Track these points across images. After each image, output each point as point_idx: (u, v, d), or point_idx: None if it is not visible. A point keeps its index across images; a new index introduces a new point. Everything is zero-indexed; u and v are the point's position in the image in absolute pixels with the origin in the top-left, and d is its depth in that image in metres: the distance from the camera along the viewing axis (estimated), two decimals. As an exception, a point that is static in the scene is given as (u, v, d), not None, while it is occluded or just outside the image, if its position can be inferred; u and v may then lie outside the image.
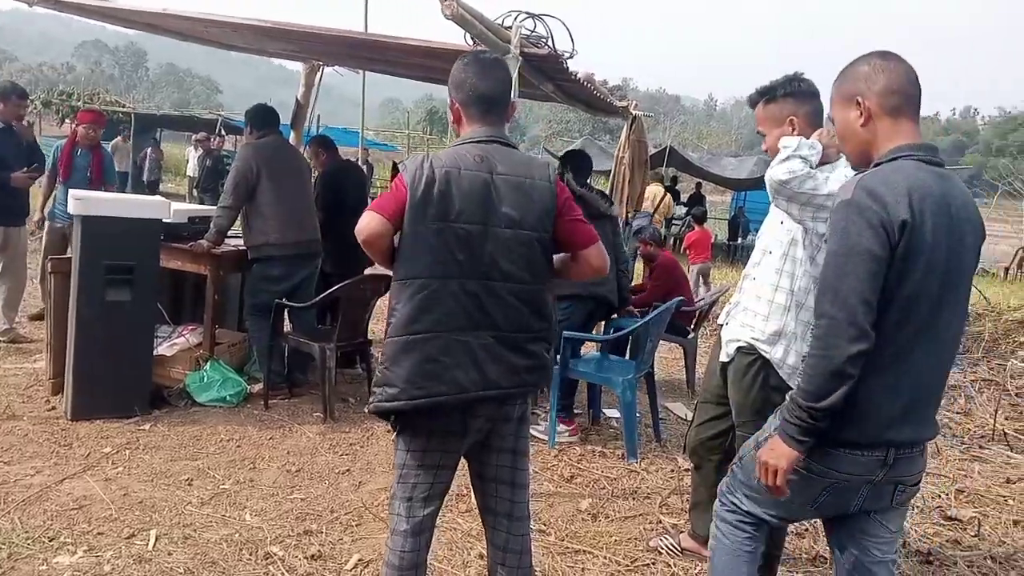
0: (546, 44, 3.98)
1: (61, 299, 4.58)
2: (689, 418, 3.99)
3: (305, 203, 5.16)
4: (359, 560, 3.09)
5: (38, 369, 5.17)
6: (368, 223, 2.15)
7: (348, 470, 4.03)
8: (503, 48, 3.82)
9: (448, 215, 2.11)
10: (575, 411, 4.89)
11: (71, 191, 5.04)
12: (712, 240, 11.95)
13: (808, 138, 2.78)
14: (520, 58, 3.89)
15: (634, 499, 3.97)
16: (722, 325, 3.10)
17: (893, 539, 2.17)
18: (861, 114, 2.02)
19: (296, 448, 4.27)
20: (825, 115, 2.86)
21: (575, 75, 4.73)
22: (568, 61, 4.23)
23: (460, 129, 2.31)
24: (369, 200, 6.24)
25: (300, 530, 3.32)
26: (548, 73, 4.61)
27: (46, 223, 6.35)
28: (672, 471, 4.32)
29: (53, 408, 4.52)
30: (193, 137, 19.25)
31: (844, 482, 2.03)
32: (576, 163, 4.93)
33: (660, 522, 3.71)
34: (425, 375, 2.12)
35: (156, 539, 3.14)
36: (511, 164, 2.21)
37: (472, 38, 3.77)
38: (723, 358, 3.03)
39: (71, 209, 4.55)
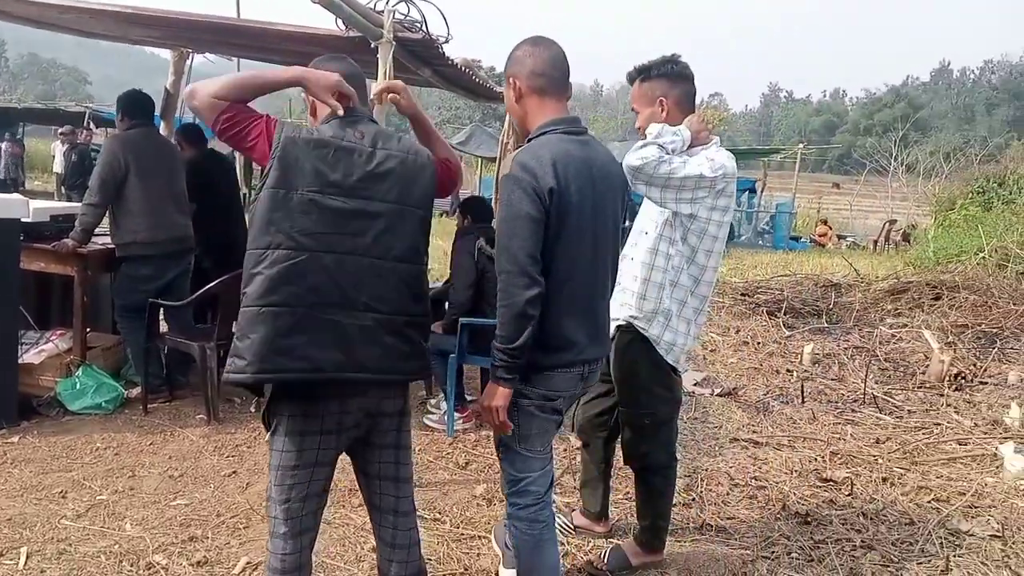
0: (420, 29, 3.94)
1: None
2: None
3: (175, 198, 4.91)
4: (247, 563, 3.01)
5: None
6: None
7: (234, 472, 3.91)
8: (375, 32, 3.76)
9: (324, 185, 2.05)
10: (467, 397, 4.91)
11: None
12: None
13: (678, 119, 2.88)
14: (394, 43, 3.84)
15: (528, 480, 4.01)
16: None
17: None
18: (515, 92, 2.42)
19: (179, 452, 4.11)
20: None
21: (452, 61, 4.71)
22: (444, 46, 4.20)
23: None
24: (241, 194, 6.03)
25: (184, 536, 3.21)
26: (424, 58, 4.57)
27: None
28: (564, 451, 4.40)
29: (-96, 427, 4.19)
30: (57, 131, 18.11)
31: (560, 400, 2.45)
32: (475, 211, 4.95)
33: (553, 502, 3.76)
34: (276, 350, 2.01)
35: (27, 557, 2.98)
36: (396, 143, 2.19)
37: (343, 23, 3.70)
38: None
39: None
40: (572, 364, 2.40)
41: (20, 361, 4.51)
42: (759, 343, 7.34)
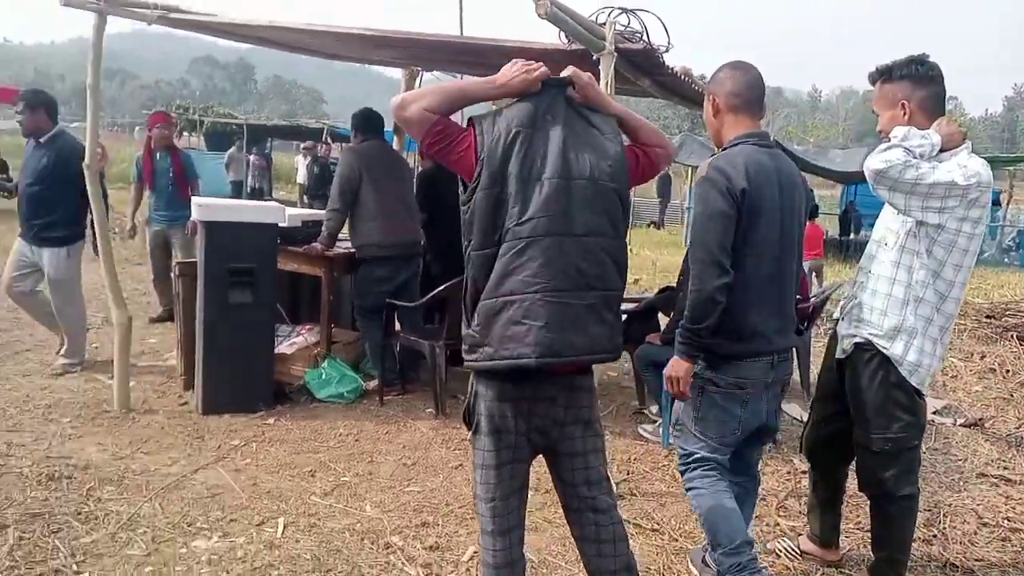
0: (641, 39, 3.94)
1: (189, 301, 4.86)
2: (804, 419, 3.88)
3: (406, 205, 5.29)
4: (474, 552, 3.15)
5: (170, 367, 5.50)
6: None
7: (461, 465, 4.11)
8: (597, 44, 3.81)
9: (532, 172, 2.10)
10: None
11: (194, 198, 5.35)
12: (823, 236, 11.55)
13: (923, 124, 2.69)
14: (615, 54, 3.87)
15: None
16: (837, 321, 3.01)
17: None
18: (712, 108, 2.73)
19: (411, 442, 4.40)
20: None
21: (672, 69, 4.67)
22: (664, 55, 4.18)
23: None
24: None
25: (418, 522, 3.42)
26: (645, 68, 4.56)
27: (145, 229, 6.78)
28: (788, 473, 4.21)
29: (185, 403, 4.80)
30: (301, 146, 19.97)
31: (751, 387, 2.66)
32: None
33: (778, 524, 3.62)
34: (514, 337, 2.06)
35: (284, 527, 3.31)
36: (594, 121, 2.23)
37: (566, 36, 3.78)
38: (839, 355, 2.95)
39: (194, 215, 4.82)
40: (760, 353, 2.64)
41: (275, 351, 5.02)
42: (1008, 371, 6.62)
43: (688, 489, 2.80)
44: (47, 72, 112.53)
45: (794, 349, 3.22)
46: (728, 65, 2.74)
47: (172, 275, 5.85)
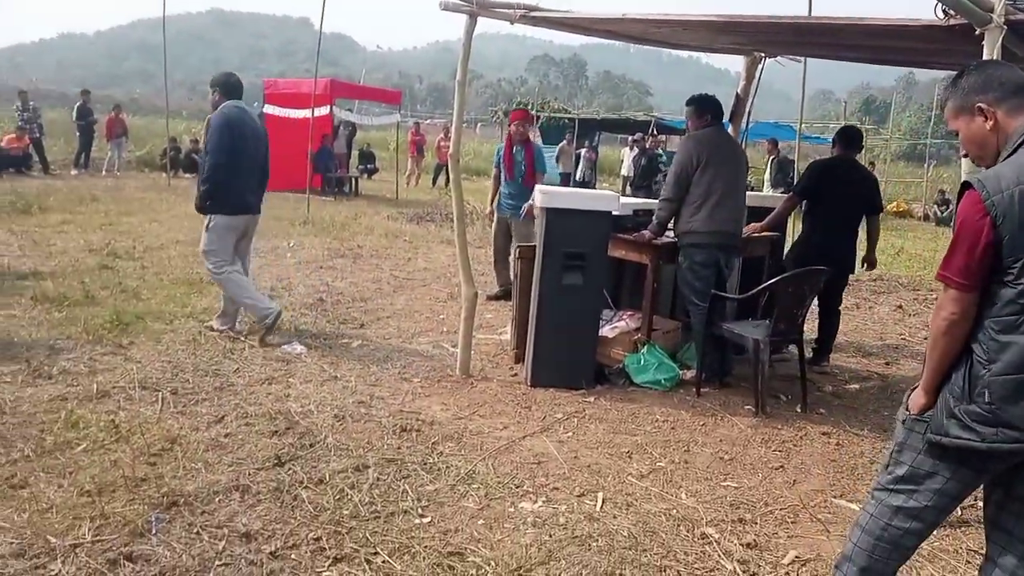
0: (1040, 6, 3.42)
1: (526, 281, 5.21)
2: None
3: (736, 195, 5.17)
4: (796, 557, 3.02)
5: (503, 340, 5.96)
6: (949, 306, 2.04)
7: (781, 466, 3.96)
8: (982, 18, 3.38)
9: None
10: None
11: (537, 186, 5.71)
12: None
13: None
14: (1004, 27, 3.41)
15: None
16: None
17: None
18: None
19: (728, 437, 4.32)
20: None
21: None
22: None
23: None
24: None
25: (734, 517, 3.36)
26: (1033, 40, 3.96)
27: (495, 215, 7.35)
28: None
29: (515, 374, 5.18)
30: (630, 138, 20.41)
31: None
32: None
33: None
34: None
35: (603, 501, 3.43)
36: None
37: (942, 9, 3.40)
38: None
39: (536, 201, 5.14)
40: None
41: (599, 334, 5.21)
42: None
43: None
44: (408, 74, 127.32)
45: None
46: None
47: (511, 258, 6.33)
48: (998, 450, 1.99)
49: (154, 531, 2.91)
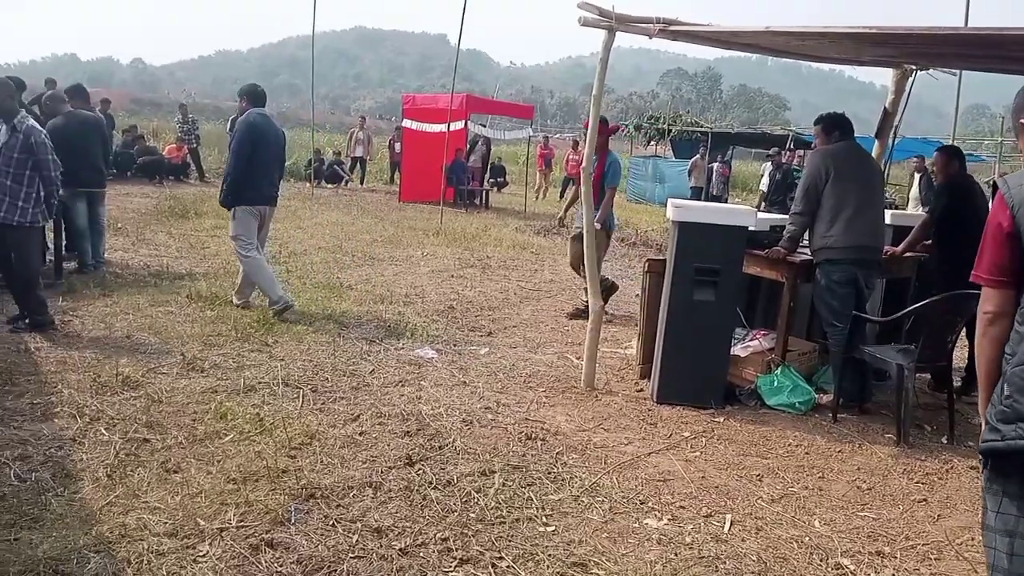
0: None
1: (654, 295, 5.16)
2: None
3: (872, 210, 4.93)
4: (941, 597, 2.85)
5: (628, 355, 5.92)
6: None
7: (925, 500, 3.73)
8: None
9: None
10: None
11: (670, 199, 5.65)
12: None
13: None
14: None
15: None
16: None
17: None
18: None
19: (866, 466, 4.11)
20: None
21: None
22: None
23: None
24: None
25: (872, 549, 3.19)
26: None
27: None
28: None
29: (641, 390, 5.13)
30: (767, 154, 19.84)
31: None
32: None
33: None
34: None
35: (731, 523, 3.35)
36: None
37: None
38: None
39: (669, 215, 5.08)
40: None
41: (730, 352, 5.08)
42: None
43: None
44: (540, 88, 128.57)
45: None
46: None
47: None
48: (1016, 447, 1.80)
49: (293, 520, 3.07)
